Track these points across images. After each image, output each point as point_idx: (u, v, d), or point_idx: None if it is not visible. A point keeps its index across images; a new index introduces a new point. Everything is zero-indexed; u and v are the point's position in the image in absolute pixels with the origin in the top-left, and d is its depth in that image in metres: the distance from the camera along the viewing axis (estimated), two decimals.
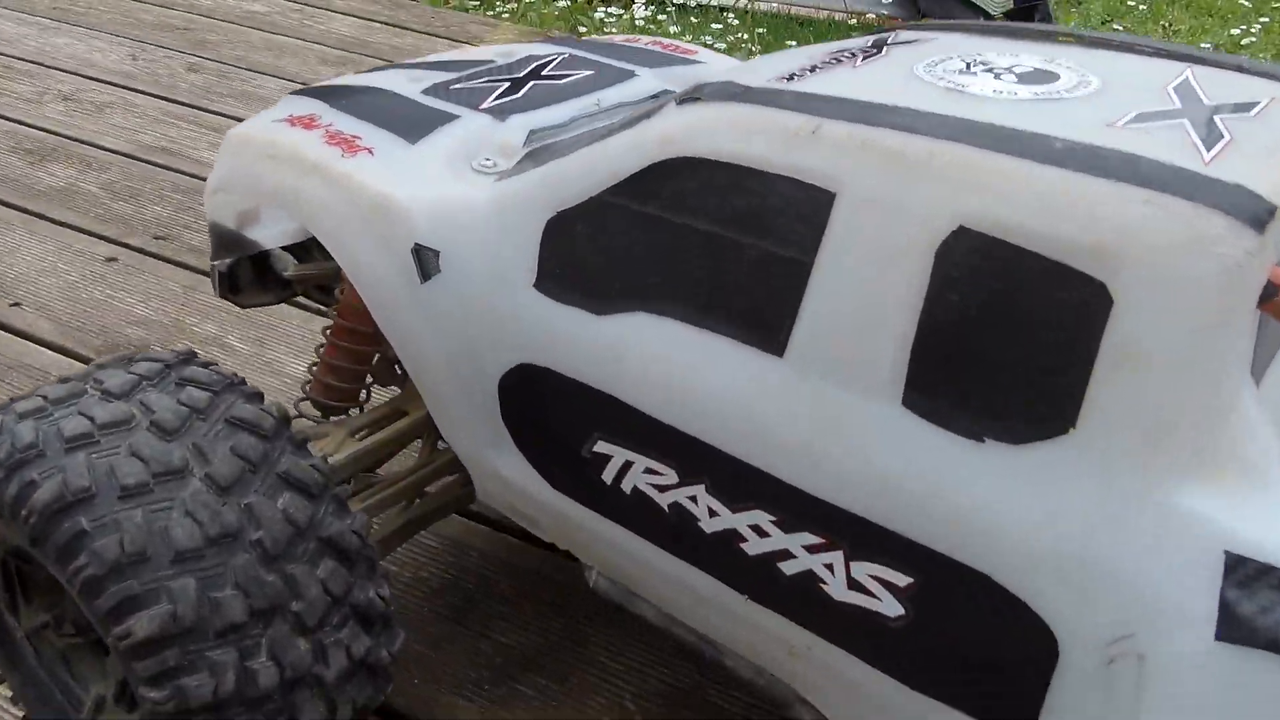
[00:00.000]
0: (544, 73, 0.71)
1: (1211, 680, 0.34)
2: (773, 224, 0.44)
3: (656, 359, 0.48)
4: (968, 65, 0.50)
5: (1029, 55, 0.52)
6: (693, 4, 2.69)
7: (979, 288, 0.39)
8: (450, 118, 0.63)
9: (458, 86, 0.67)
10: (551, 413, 0.52)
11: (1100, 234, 0.37)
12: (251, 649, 0.51)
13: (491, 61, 0.74)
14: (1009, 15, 2.09)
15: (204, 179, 1.45)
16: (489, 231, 0.54)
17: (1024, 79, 0.48)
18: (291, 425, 0.58)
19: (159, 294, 1.18)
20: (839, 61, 0.52)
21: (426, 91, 0.67)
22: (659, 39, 0.83)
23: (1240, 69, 0.50)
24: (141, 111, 1.65)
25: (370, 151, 0.59)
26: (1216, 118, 0.44)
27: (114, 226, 1.31)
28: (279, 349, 1.09)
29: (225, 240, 0.69)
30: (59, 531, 0.50)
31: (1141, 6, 3.05)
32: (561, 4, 2.42)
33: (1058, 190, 0.38)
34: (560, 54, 0.74)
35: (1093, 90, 0.47)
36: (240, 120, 1.65)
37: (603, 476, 0.51)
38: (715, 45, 2.27)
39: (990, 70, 0.50)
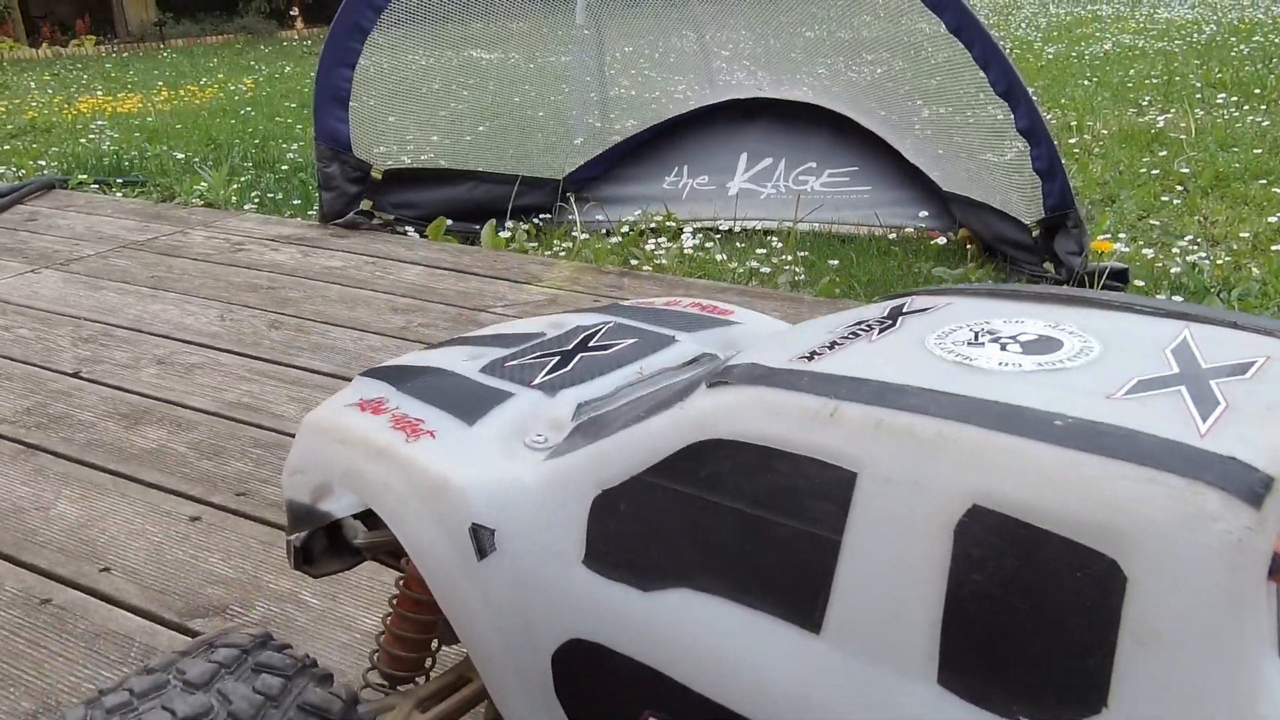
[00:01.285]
0: (591, 344, 0.76)
1: None
2: (801, 503, 0.47)
3: (700, 636, 0.50)
4: (975, 335, 0.54)
5: (1035, 321, 0.56)
6: (738, 229, 2.83)
7: (1000, 565, 0.41)
8: (505, 395, 0.68)
9: (513, 363, 0.73)
10: (603, 687, 0.54)
11: (1107, 512, 0.39)
12: None
13: (543, 334, 0.80)
14: (1041, 224, 2.17)
15: (282, 433, 1.53)
16: (540, 509, 0.57)
17: (1028, 348, 0.52)
18: (360, 704, 0.60)
19: (239, 551, 1.24)
20: (857, 336, 0.57)
21: (484, 370, 0.73)
22: (699, 300, 0.89)
23: (1236, 325, 0.53)
24: (228, 370, 1.77)
25: (432, 434, 0.64)
26: (1213, 382, 0.46)
27: (199, 485, 1.39)
28: (350, 604, 1.12)
29: (300, 515, 0.74)
30: None
31: (1176, 201, 3.13)
32: (614, 240, 2.57)
33: (1063, 469, 0.41)
34: (607, 323, 0.81)
35: (1094, 357, 0.50)
36: (316, 373, 1.76)
37: None
38: (761, 269, 2.37)
39: (997, 340, 0.53)
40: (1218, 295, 2.27)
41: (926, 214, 2.81)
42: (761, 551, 0.48)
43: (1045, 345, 0.52)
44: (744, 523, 0.49)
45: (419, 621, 0.73)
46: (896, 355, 0.52)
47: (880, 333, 0.57)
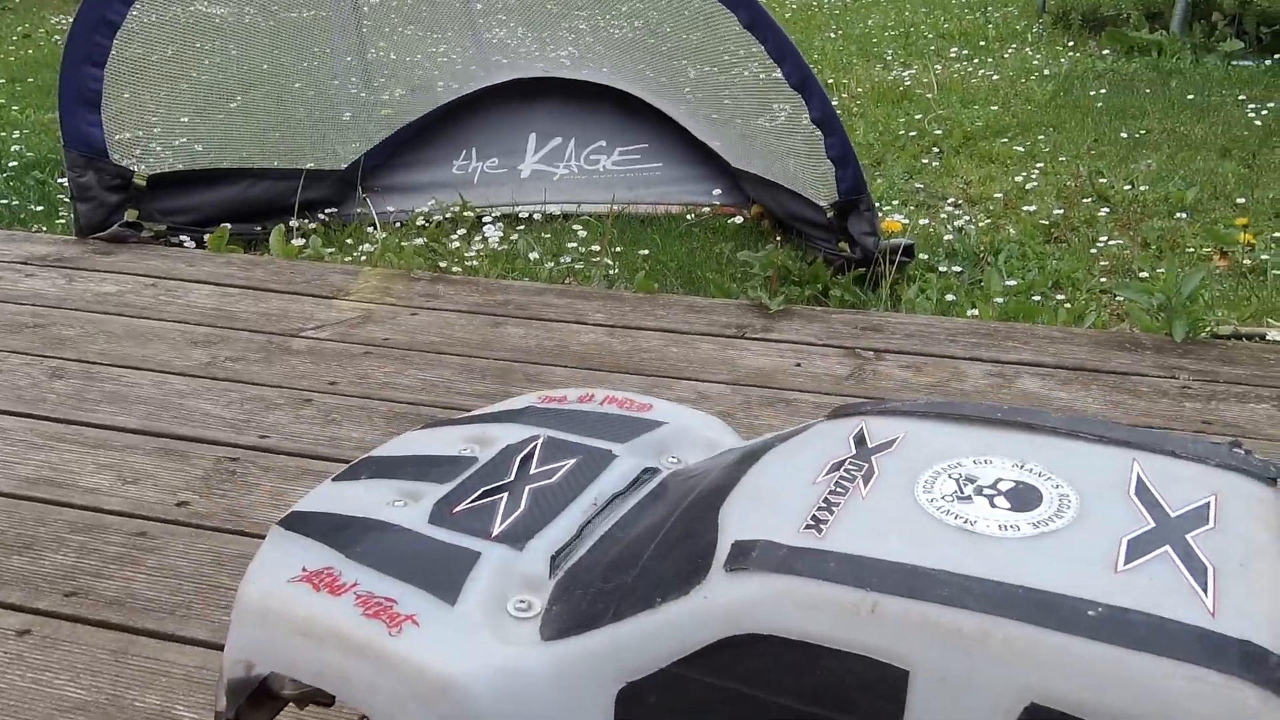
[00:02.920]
0: (532, 470, 0.74)
1: None
2: (854, 699, 0.49)
3: None
4: (959, 486, 0.58)
5: (1001, 460, 0.60)
6: (538, 217, 2.80)
7: None
8: (473, 556, 0.65)
9: (460, 509, 0.70)
10: None
11: (1160, 709, 0.44)
12: None
13: (472, 458, 0.77)
14: (835, 207, 2.29)
15: (101, 510, 1.39)
16: (555, 702, 0.56)
17: (1015, 503, 0.56)
18: None
19: (87, 666, 1.12)
20: (844, 489, 0.59)
21: (434, 521, 0.69)
22: (611, 394, 0.88)
23: (1174, 455, 0.60)
24: (11, 436, 1.57)
25: (414, 621, 0.61)
26: (1189, 538, 0.52)
27: (16, 590, 1.24)
28: None
29: (237, 688, 0.69)
30: None
31: (934, 164, 3.37)
32: (419, 241, 2.48)
33: (1112, 666, 0.45)
34: (535, 438, 0.79)
35: (1077, 512, 0.55)
36: (122, 430, 1.59)
37: None
38: (575, 265, 2.36)
39: (981, 492, 0.57)
40: (985, 261, 2.49)
41: (719, 191, 2.88)
42: None
43: (1028, 497, 0.56)
44: (787, 711, 0.50)
45: None
46: (899, 520, 0.55)
47: (865, 480, 0.59)
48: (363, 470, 0.80)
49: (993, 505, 0.56)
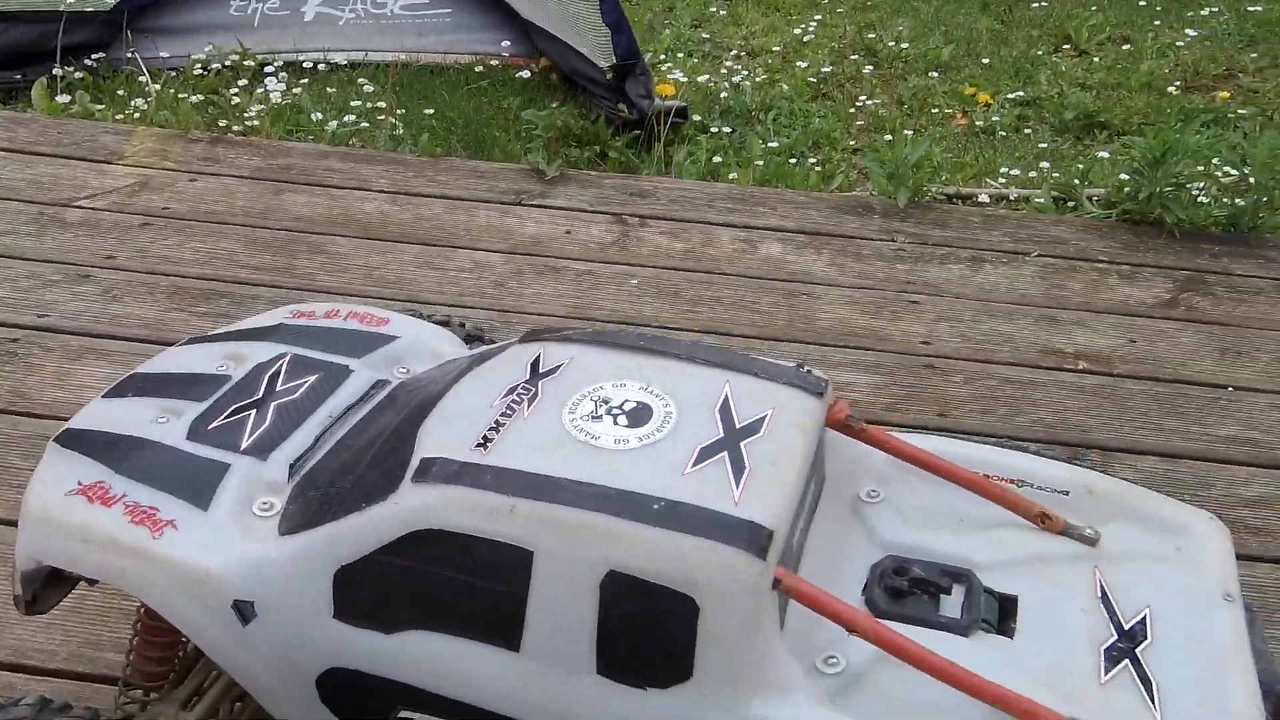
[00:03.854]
0: (278, 387, 0.90)
1: None
2: (499, 571, 0.69)
3: (435, 659, 0.72)
4: (595, 407, 0.77)
5: (633, 384, 0.80)
6: (323, 67, 2.78)
7: (629, 605, 0.67)
8: (223, 468, 0.81)
9: (214, 426, 0.85)
10: (362, 695, 0.75)
11: (689, 571, 0.66)
12: None
13: (227, 378, 0.91)
14: (613, 69, 2.40)
15: None
16: (290, 581, 0.74)
17: (631, 421, 0.76)
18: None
19: None
20: (512, 411, 0.78)
21: (190, 437, 0.84)
22: (354, 310, 1.03)
23: (757, 375, 0.81)
24: None
25: (174, 525, 0.77)
26: (743, 445, 0.74)
27: None
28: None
29: (31, 577, 0.84)
30: None
31: (722, 12, 3.48)
32: (196, 98, 2.44)
33: (661, 545, 0.67)
34: (284, 355, 0.93)
35: (673, 426, 0.75)
36: None
37: None
38: (361, 125, 2.39)
39: (610, 412, 0.77)
40: (757, 119, 2.67)
41: (509, 41, 2.92)
42: (474, 602, 0.71)
43: (642, 414, 0.77)
44: (459, 585, 0.71)
45: (164, 638, 0.87)
46: (544, 438, 0.74)
47: (530, 404, 0.78)
48: (129, 387, 0.93)
49: (615, 423, 0.76)
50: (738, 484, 0.71)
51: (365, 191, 2.09)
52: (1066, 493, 0.85)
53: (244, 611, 0.75)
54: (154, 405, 0.89)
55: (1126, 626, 0.74)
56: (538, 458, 0.73)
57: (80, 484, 0.81)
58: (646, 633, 0.67)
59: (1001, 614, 0.75)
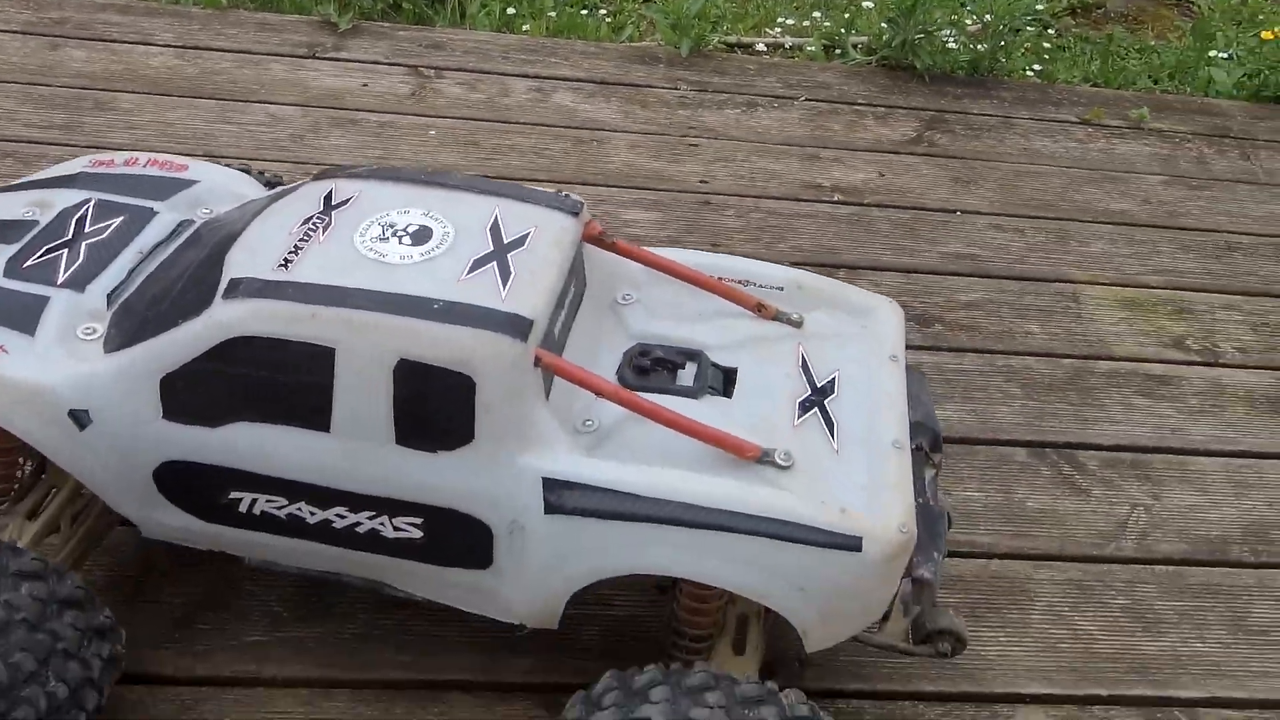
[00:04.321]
0: (86, 229, 0.98)
1: (547, 530, 0.83)
2: (306, 368, 0.83)
3: (257, 444, 0.86)
4: (382, 231, 0.90)
5: (416, 210, 0.93)
6: None
7: (418, 386, 0.83)
8: (44, 300, 0.90)
9: (29, 264, 0.93)
10: (196, 482, 0.88)
11: (465, 355, 0.82)
12: (46, 681, 0.84)
13: (35, 222, 0.98)
14: None
15: None
16: (120, 389, 0.86)
17: (415, 238, 0.90)
18: None
19: None
20: (309, 237, 0.89)
21: (7, 275, 0.92)
22: (154, 157, 1.10)
23: (523, 200, 0.95)
24: None
25: (4, 350, 0.86)
26: (509, 256, 0.89)
27: None
28: None
29: None
30: None
31: None
32: None
33: (443, 335, 0.82)
34: (88, 200, 1.01)
35: (450, 244, 0.89)
36: None
37: (239, 509, 0.89)
38: None
39: (395, 234, 0.90)
40: None
41: None
42: (287, 395, 0.84)
43: (423, 235, 0.90)
44: (272, 382, 0.84)
45: (4, 457, 0.97)
46: (339, 258, 0.87)
47: (324, 231, 0.90)
48: None
49: (400, 243, 0.89)
50: (504, 286, 0.86)
51: (149, 46, 2.06)
52: (781, 289, 1.05)
53: (79, 419, 0.86)
54: None
55: (819, 385, 0.95)
56: (333, 274, 0.86)
57: None
58: (434, 408, 0.83)
59: (725, 382, 0.94)
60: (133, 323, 0.89)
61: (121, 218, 1.00)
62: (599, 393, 0.86)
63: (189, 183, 1.06)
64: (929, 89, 2.30)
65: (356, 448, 0.85)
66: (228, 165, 1.48)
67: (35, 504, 0.99)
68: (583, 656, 1.11)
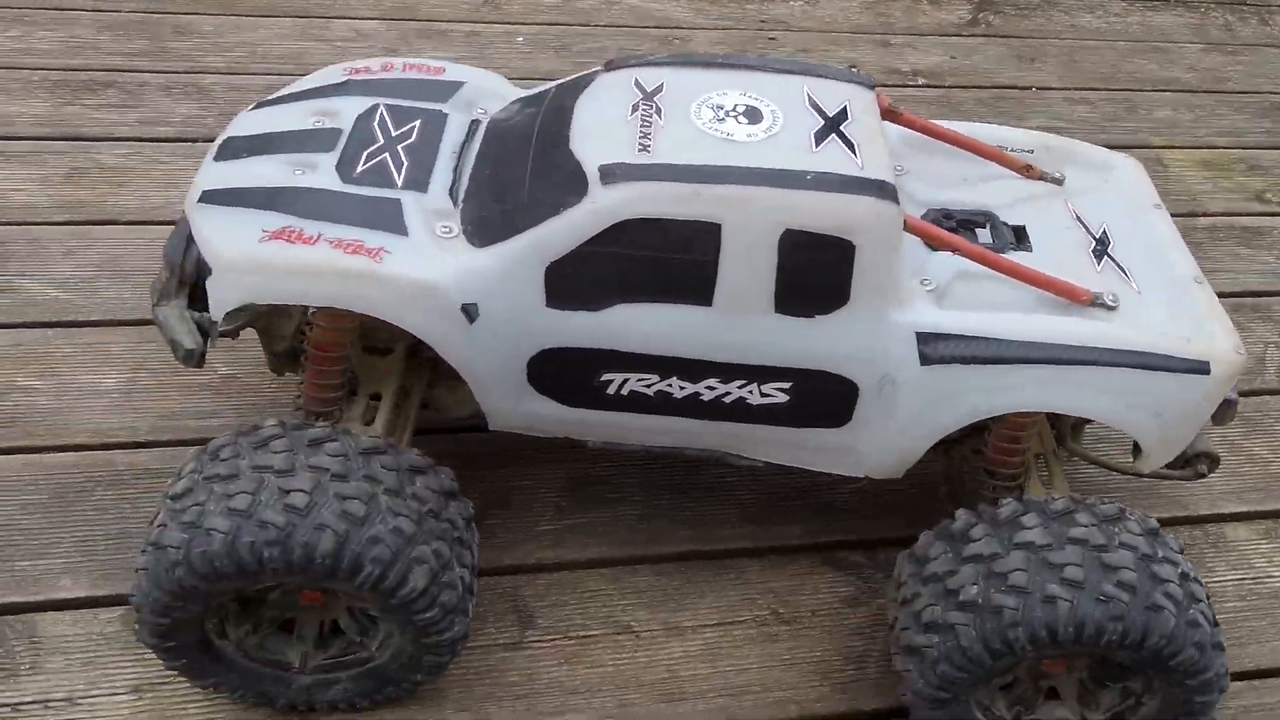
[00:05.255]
0: (394, 133, 0.98)
1: (921, 381, 0.90)
2: (693, 244, 0.86)
3: (640, 322, 0.89)
4: (714, 113, 0.93)
5: (731, 91, 0.96)
6: None
7: (800, 255, 0.87)
8: (397, 204, 0.91)
9: (362, 169, 0.93)
10: (570, 367, 0.92)
11: (847, 220, 0.86)
12: (452, 565, 0.88)
13: (336, 130, 0.97)
14: None
15: None
16: (505, 282, 0.88)
17: (749, 120, 0.93)
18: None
19: None
20: (649, 123, 0.92)
21: (348, 181, 0.92)
22: (406, 61, 1.09)
23: (823, 76, 0.99)
24: None
25: (387, 251, 0.87)
26: (843, 129, 0.93)
27: None
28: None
29: (233, 317, 0.91)
30: (345, 560, 0.81)
31: None
32: None
33: (823, 203, 0.86)
34: (374, 105, 1.00)
35: (785, 121, 0.93)
36: None
37: (607, 392, 0.93)
38: None
39: (728, 114, 0.93)
40: None
41: None
42: (672, 272, 0.88)
43: (754, 114, 0.94)
44: (658, 261, 0.87)
45: (335, 366, 0.98)
46: (690, 140, 0.90)
47: (660, 116, 0.93)
48: (239, 149, 0.97)
49: (738, 122, 0.93)
50: (854, 154, 0.91)
51: None
52: (1031, 151, 1.12)
53: (469, 312, 0.88)
54: (279, 161, 0.95)
55: (1097, 235, 1.03)
56: (693, 153, 0.89)
57: (266, 230, 0.88)
58: (813, 274, 0.88)
59: (1017, 238, 1.01)
60: (492, 218, 0.91)
61: (419, 120, 1.00)
62: (962, 252, 0.92)
63: (457, 84, 1.06)
64: None
65: (737, 319, 0.89)
66: None
67: (363, 409, 1.00)
68: (846, 517, 1.19)
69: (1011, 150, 1.11)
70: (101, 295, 1.33)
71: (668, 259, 0.87)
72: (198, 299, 0.95)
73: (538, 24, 1.99)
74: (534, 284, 0.88)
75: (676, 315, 0.89)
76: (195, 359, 0.93)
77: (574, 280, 0.88)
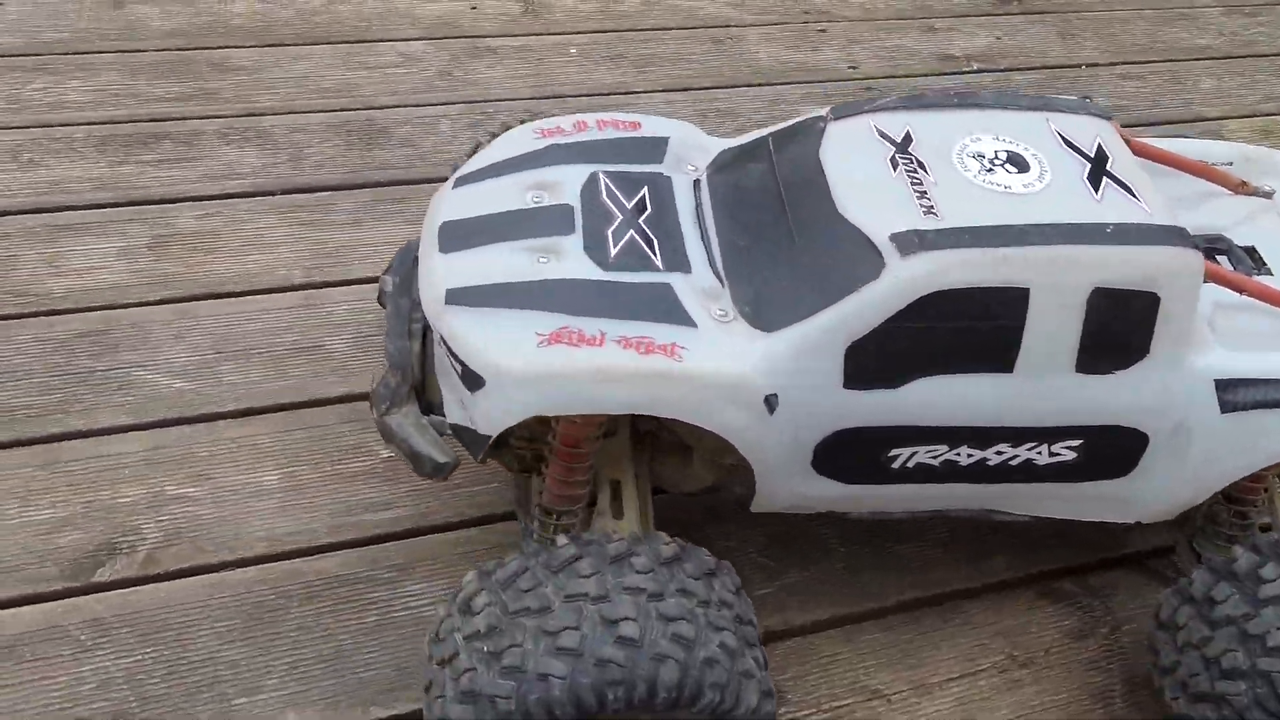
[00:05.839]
0: (628, 205, 0.90)
1: (1219, 429, 0.87)
2: (999, 310, 0.82)
3: (939, 396, 0.84)
4: (980, 163, 0.88)
5: (983, 135, 0.91)
6: None
7: (1106, 312, 0.83)
8: (669, 288, 0.83)
9: (616, 252, 0.86)
10: (858, 448, 0.86)
11: (1154, 273, 0.83)
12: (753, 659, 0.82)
13: (564, 207, 0.89)
14: None
15: None
16: (801, 366, 0.81)
17: (1017, 168, 0.88)
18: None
19: None
20: (918, 179, 0.86)
21: (606, 268, 0.84)
22: (600, 118, 1.00)
23: (1063, 111, 0.95)
24: None
25: (682, 346, 0.80)
26: (1109, 169, 0.89)
27: None
28: None
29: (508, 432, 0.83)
30: (688, 689, 0.75)
31: None
32: None
33: (1127, 258, 0.82)
34: (593, 174, 0.92)
35: (1051, 168, 0.89)
36: None
37: (893, 467, 0.88)
38: None
39: (995, 164, 0.88)
40: None
41: None
42: (975, 340, 0.83)
43: (1020, 161, 0.89)
44: (962, 330, 0.82)
45: (583, 462, 0.90)
46: (970, 196, 0.85)
47: (925, 171, 0.87)
48: (462, 238, 0.88)
49: (1007, 172, 0.88)
50: (1136, 199, 0.87)
51: None
52: (1230, 163, 1.10)
53: (771, 403, 0.81)
54: (513, 249, 0.86)
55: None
56: (981, 212, 0.84)
57: (542, 334, 0.80)
58: (1118, 330, 0.84)
59: (1253, 259, 0.99)
60: (771, 297, 0.84)
61: (645, 187, 0.92)
62: (1249, 292, 0.90)
63: (663, 139, 0.99)
64: None
65: (1035, 383, 0.85)
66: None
67: (608, 503, 0.94)
68: (1044, 543, 1.17)
69: (1213, 164, 1.09)
70: (228, 381, 1.21)
71: (971, 328, 0.82)
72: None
73: (584, 32, 1.89)
74: (833, 366, 0.82)
75: (976, 385, 0.85)
76: (446, 472, 0.85)
77: (874, 359, 0.83)
